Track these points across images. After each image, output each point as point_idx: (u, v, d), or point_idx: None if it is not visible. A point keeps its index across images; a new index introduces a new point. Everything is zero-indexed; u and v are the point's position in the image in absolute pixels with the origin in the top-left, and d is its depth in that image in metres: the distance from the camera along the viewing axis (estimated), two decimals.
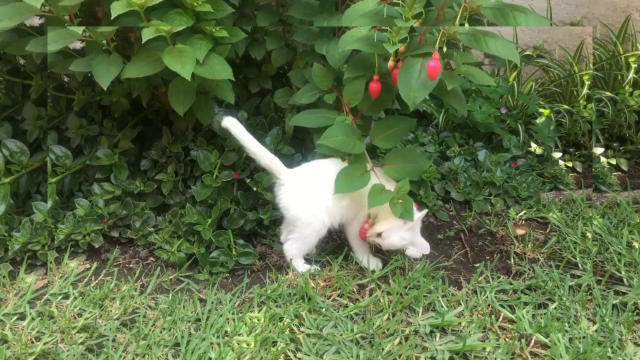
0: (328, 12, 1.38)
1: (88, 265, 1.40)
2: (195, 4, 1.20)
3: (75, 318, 1.19)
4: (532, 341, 1.10)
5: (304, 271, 1.34)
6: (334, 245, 1.49)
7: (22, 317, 1.19)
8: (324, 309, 1.19)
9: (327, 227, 1.32)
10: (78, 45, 1.47)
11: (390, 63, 1.19)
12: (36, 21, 1.47)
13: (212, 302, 1.23)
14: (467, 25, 1.08)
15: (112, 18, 1.09)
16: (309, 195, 1.31)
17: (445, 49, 1.09)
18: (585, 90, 2.02)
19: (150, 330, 1.14)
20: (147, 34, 1.14)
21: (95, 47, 1.28)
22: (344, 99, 1.33)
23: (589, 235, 1.48)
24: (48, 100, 1.62)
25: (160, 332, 1.13)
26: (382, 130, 1.34)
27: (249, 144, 1.32)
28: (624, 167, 1.96)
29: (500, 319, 1.17)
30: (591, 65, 2.11)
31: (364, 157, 1.31)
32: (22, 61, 1.61)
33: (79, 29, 1.16)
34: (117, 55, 1.24)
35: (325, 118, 1.33)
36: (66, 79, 1.66)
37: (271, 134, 1.57)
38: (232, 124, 1.31)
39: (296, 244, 1.34)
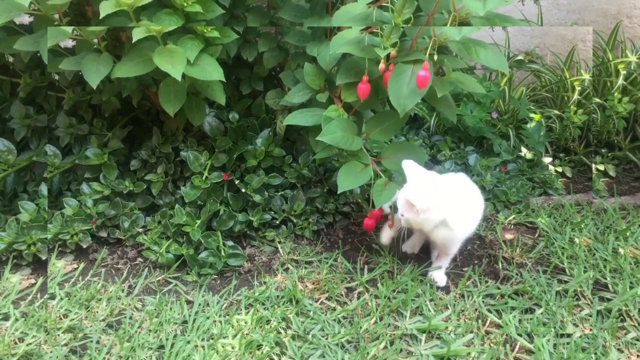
0: (318, 15, 1.38)
1: (75, 266, 1.39)
2: (185, 4, 1.19)
3: (60, 319, 1.18)
4: (517, 346, 1.11)
5: None
6: (322, 247, 1.49)
7: (6, 317, 1.18)
8: (311, 312, 1.19)
9: None
10: (69, 43, 1.46)
11: (382, 65, 1.20)
12: (26, 19, 1.46)
13: (200, 304, 1.23)
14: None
15: (100, 17, 1.08)
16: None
17: (436, 56, 1.10)
18: (575, 96, 2.04)
19: (136, 332, 1.14)
20: (137, 34, 1.13)
21: (85, 45, 1.27)
22: (339, 94, 1.32)
23: (577, 240, 1.49)
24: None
25: (146, 333, 1.13)
26: (377, 125, 1.34)
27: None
28: (612, 174, 1.98)
29: (487, 324, 1.17)
30: (583, 72, 2.13)
31: (363, 153, 1.31)
32: (10, 59, 1.59)
33: (69, 28, 1.15)
34: (107, 55, 1.24)
35: (320, 116, 1.33)
36: (56, 77, 1.64)
37: (262, 135, 1.57)
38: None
39: None
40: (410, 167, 1.24)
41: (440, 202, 1.20)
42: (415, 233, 1.42)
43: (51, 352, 1.07)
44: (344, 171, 1.26)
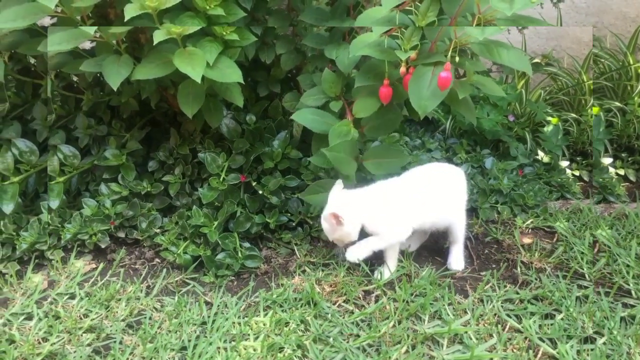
0: (339, 18, 1.38)
1: (94, 266, 1.40)
2: (208, 7, 1.20)
3: (81, 319, 1.19)
4: (540, 352, 1.10)
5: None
6: (339, 250, 1.48)
7: (29, 317, 1.19)
8: (329, 315, 1.19)
9: None
10: (88, 45, 1.47)
11: (402, 69, 1.19)
12: (47, 21, 1.48)
13: (218, 306, 1.23)
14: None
15: (125, 20, 1.09)
16: None
17: (457, 58, 1.09)
18: (592, 99, 2.02)
19: (156, 332, 1.14)
20: (158, 36, 1.14)
21: (105, 47, 1.28)
22: (352, 109, 1.32)
23: (596, 242, 1.47)
24: (56, 99, 1.62)
25: (167, 334, 1.13)
26: (376, 156, 1.38)
27: None
28: (632, 178, 1.95)
29: (506, 329, 1.16)
30: (592, 69, 2.11)
31: (352, 178, 1.36)
32: (32, 61, 1.61)
33: (91, 29, 1.16)
34: (127, 57, 1.25)
35: (328, 124, 1.33)
36: (75, 79, 1.66)
37: (279, 137, 1.57)
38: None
39: None
40: (332, 192, 1.32)
41: (350, 215, 1.28)
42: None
43: (75, 352, 1.08)
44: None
